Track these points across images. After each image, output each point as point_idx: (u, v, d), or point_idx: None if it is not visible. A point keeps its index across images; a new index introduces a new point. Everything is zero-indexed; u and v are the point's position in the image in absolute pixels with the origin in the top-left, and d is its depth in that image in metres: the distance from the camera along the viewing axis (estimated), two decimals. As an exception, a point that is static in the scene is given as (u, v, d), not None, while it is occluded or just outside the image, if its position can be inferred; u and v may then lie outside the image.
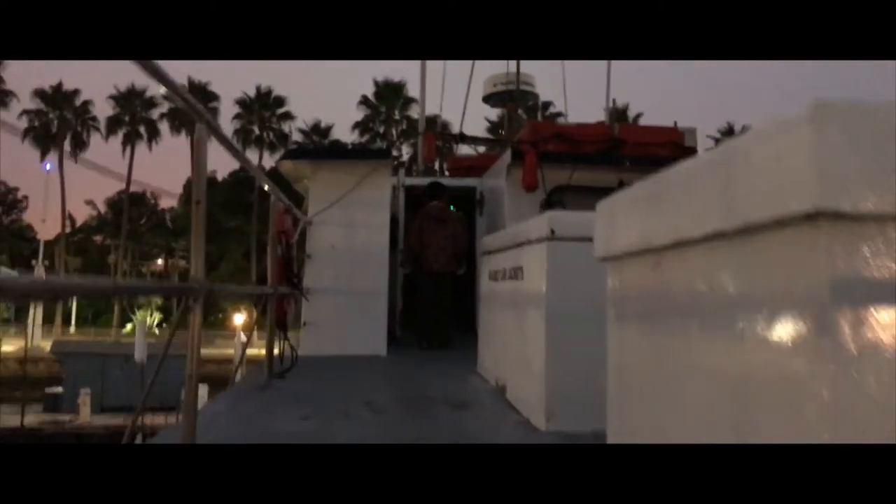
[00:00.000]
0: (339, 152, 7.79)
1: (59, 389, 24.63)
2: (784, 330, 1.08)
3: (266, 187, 4.78)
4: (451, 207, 7.75)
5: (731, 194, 1.18)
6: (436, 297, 7.42)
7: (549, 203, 7.21)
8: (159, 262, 59.69)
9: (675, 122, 7.75)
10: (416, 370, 5.95)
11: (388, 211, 7.29)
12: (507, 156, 7.60)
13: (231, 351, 35.77)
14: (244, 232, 49.92)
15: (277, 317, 5.14)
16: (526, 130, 8.03)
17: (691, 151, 7.45)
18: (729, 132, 54.91)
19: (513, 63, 12.72)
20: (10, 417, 23.12)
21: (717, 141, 51.46)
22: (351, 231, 7.08)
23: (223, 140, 3.22)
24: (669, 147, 7.43)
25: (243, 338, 35.25)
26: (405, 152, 53.81)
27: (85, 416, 22.24)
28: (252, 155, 55.77)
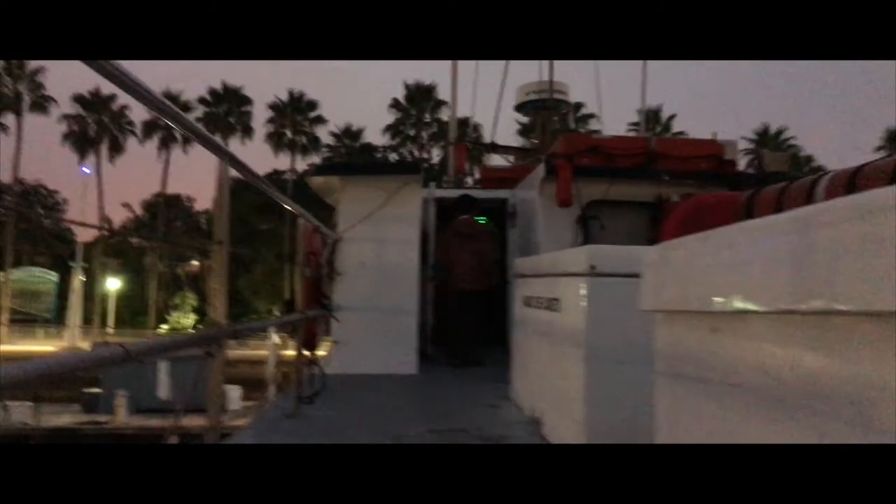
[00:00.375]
0: (368, 167, 7.72)
1: (98, 390, 25.01)
2: (870, 418, 1.00)
3: (292, 208, 4.75)
4: (483, 220, 7.66)
5: (809, 274, 1.10)
6: (464, 315, 7.32)
7: (584, 219, 7.07)
8: (194, 262, 60.45)
9: (715, 134, 7.57)
10: (448, 394, 5.89)
11: (419, 227, 7.25)
12: (540, 169, 7.48)
13: (265, 352, 36.01)
14: (277, 234, 50.29)
15: (306, 339, 5.10)
16: (560, 143, 7.87)
17: (731, 165, 7.25)
18: (763, 134, 53.97)
19: (545, 66, 12.52)
20: (52, 417, 23.58)
21: (755, 143, 50.41)
22: (381, 247, 7.04)
23: (248, 174, 3.12)
24: (709, 161, 7.25)
25: (276, 340, 35.45)
26: (435, 155, 53.85)
27: (121, 417, 22.60)
28: (284, 159, 56.21)
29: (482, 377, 6.43)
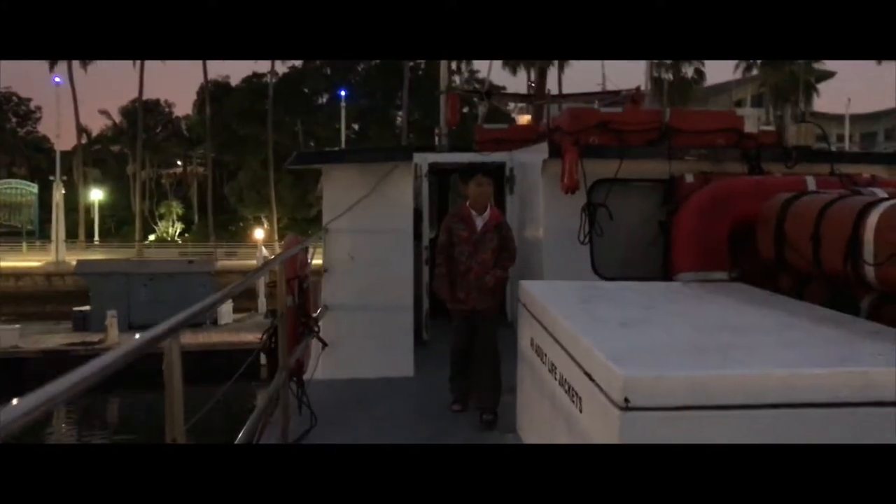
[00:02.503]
0: (353, 153, 7.00)
1: (87, 308, 24.82)
2: None
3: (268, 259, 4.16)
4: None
5: None
6: (472, 345, 5.41)
7: (591, 206, 6.43)
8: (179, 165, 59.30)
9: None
10: (449, 417, 5.45)
11: (412, 215, 6.65)
12: (542, 148, 6.68)
13: (253, 262, 35.88)
14: (260, 140, 49.13)
15: (293, 370, 4.61)
16: (565, 118, 6.91)
17: (752, 139, 6.58)
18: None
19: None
20: (42, 338, 23.42)
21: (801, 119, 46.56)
22: (371, 239, 6.46)
23: None
24: (727, 135, 6.58)
25: (265, 251, 35.35)
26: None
27: (113, 337, 22.40)
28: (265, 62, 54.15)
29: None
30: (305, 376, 5.52)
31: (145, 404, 19.12)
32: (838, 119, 50.31)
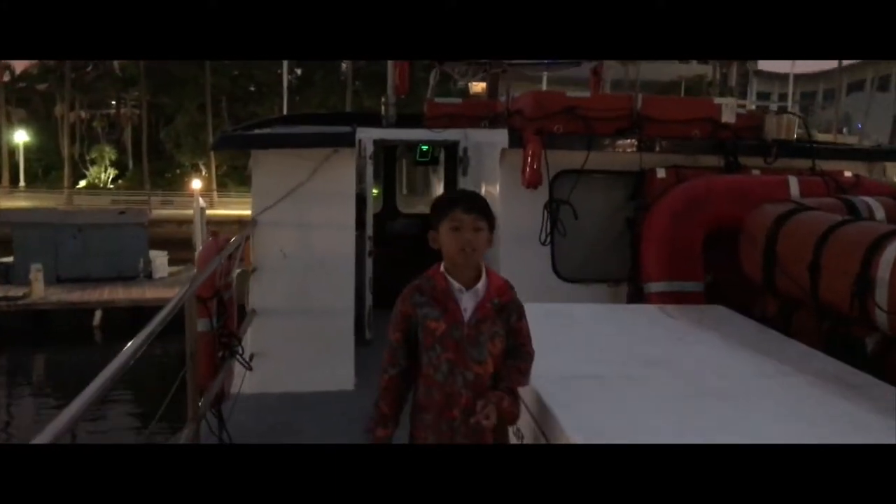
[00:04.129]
0: (286, 137, 6.11)
1: (10, 260, 23.40)
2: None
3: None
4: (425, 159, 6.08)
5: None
6: None
7: (554, 202, 5.78)
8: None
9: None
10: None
11: (353, 205, 5.91)
12: (501, 135, 5.95)
13: (190, 211, 34.41)
14: (199, 83, 46.92)
15: (212, 403, 3.96)
16: (527, 101, 6.17)
17: (728, 130, 6.04)
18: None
19: None
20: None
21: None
22: (306, 233, 5.71)
23: None
24: (703, 125, 5.99)
25: (202, 203, 33.74)
26: None
27: (38, 291, 21.21)
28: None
29: None
30: (232, 390, 4.90)
31: (72, 361, 18.29)
32: (782, 79, 50.57)
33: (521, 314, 2.76)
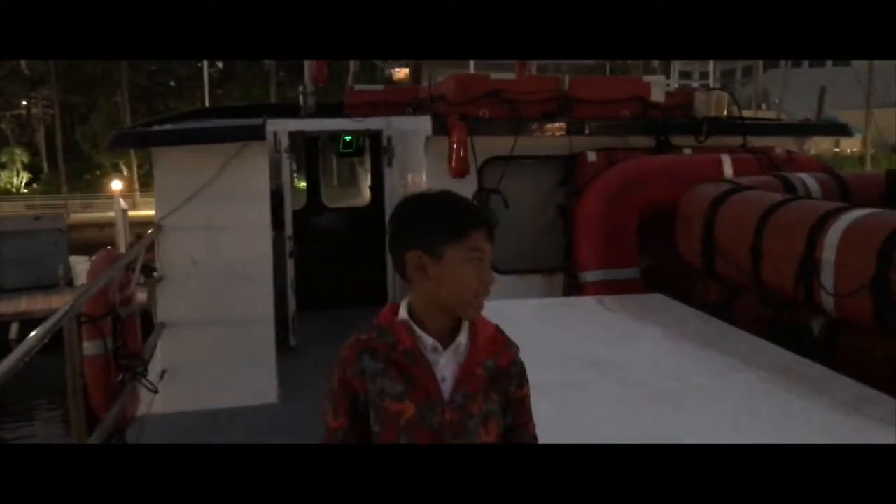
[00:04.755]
0: (188, 132, 5.60)
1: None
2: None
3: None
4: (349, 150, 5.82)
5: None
6: None
7: (484, 191, 5.53)
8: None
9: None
10: None
11: (269, 203, 5.52)
12: (425, 122, 5.64)
13: (112, 214, 33.08)
14: (113, 80, 45.06)
15: (112, 431, 3.54)
16: (450, 87, 5.86)
17: (658, 109, 5.86)
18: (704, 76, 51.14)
19: None
20: None
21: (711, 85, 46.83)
22: (218, 236, 5.28)
23: None
24: (633, 104, 5.81)
25: (123, 204, 32.50)
26: None
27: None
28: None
29: None
30: (141, 412, 4.47)
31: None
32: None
33: (522, 380, 1.75)
